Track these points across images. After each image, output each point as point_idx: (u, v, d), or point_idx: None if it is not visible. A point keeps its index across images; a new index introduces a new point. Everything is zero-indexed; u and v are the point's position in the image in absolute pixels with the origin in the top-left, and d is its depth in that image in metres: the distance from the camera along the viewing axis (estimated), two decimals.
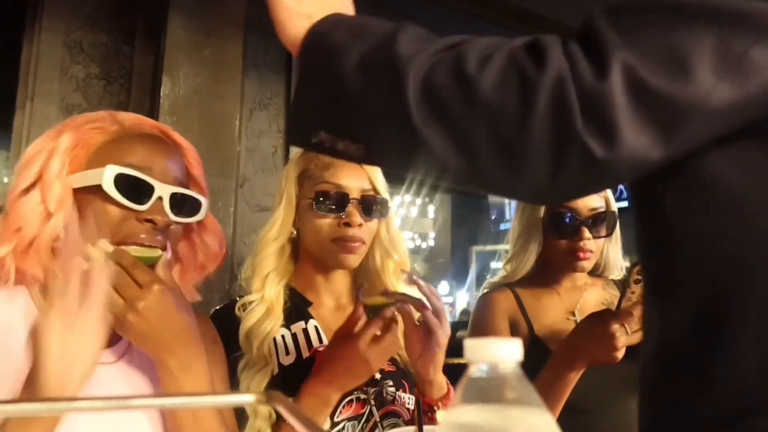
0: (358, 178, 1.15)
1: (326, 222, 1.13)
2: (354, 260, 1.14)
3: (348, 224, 1.11)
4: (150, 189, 0.80)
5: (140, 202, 0.79)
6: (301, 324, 1.12)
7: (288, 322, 1.11)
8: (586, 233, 1.29)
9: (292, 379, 1.01)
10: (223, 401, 0.41)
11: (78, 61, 1.68)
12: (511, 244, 1.43)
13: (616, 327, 1.05)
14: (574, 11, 2.56)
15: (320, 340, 1.11)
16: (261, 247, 1.15)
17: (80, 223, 0.77)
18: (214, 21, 1.74)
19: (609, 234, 1.34)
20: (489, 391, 0.36)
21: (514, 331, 1.31)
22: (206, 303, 1.56)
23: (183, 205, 0.84)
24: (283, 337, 1.08)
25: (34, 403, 0.36)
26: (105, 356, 0.79)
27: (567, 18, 2.58)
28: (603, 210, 1.32)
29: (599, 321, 1.09)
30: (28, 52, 1.66)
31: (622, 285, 1.33)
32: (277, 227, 1.16)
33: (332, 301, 1.19)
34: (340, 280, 1.20)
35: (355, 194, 1.14)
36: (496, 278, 1.46)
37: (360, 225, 1.12)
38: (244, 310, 1.10)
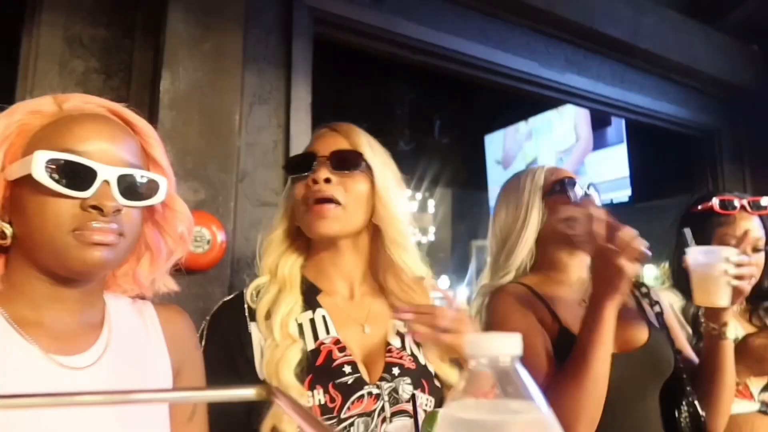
0: (332, 143, 1.08)
1: (299, 187, 1.07)
2: (326, 225, 1.03)
3: (315, 181, 1.03)
4: (92, 173, 0.72)
5: (82, 188, 0.72)
6: (309, 314, 1.05)
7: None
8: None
9: None
10: (222, 395, 0.41)
11: (78, 55, 1.67)
12: (499, 236, 1.40)
13: (618, 257, 1.09)
14: (574, 5, 2.55)
15: (327, 331, 1.03)
16: (266, 245, 1.11)
17: (22, 219, 0.72)
18: (214, 15, 1.73)
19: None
20: (489, 385, 0.36)
21: (542, 325, 1.26)
22: (207, 297, 1.57)
23: (136, 187, 0.76)
24: None
25: (36, 398, 0.36)
26: (78, 361, 0.76)
27: (566, 12, 2.56)
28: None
29: (601, 253, 1.13)
30: (27, 47, 1.66)
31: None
32: (279, 216, 1.12)
33: (346, 289, 1.11)
34: (350, 263, 1.11)
35: (324, 152, 1.06)
36: (501, 280, 1.38)
37: (327, 180, 1.03)
38: (256, 297, 1.04)
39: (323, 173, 1.04)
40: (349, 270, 1.11)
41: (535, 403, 0.36)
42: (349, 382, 0.96)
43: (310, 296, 1.07)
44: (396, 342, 1.06)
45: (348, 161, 1.06)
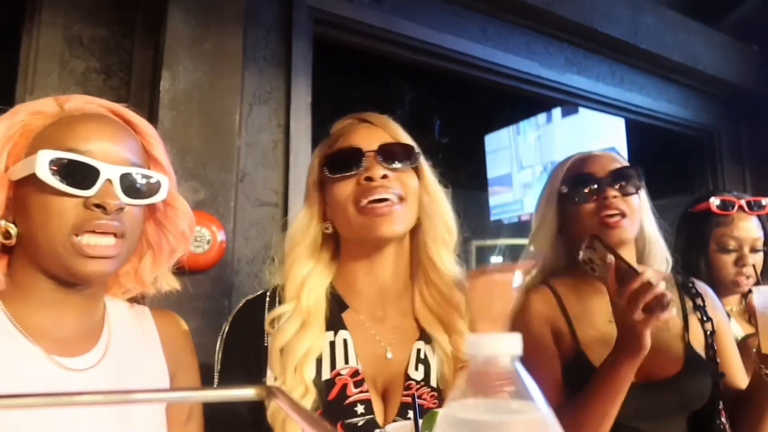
0: (373, 136, 0.98)
1: (345, 185, 0.95)
2: (390, 224, 0.93)
3: (369, 179, 0.94)
4: (95, 172, 0.73)
5: (85, 187, 0.72)
6: (330, 335, 0.95)
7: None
8: (611, 191, 1.17)
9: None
10: (223, 395, 0.41)
11: (77, 55, 1.67)
12: (534, 225, 1.33)
13: (628, 313, 0.96)
14: (574, 5, 2.55)
15: (346, 359, 0.93)
16: (290, 247, 0.99)
17: (26, 219, 0.72)
18: (214, 15, 1.73)
19: (637, 190, 1.21)
20: (489, 385, 0.36)
21: (558, 343, 1.18)
22: (207, 297, 1.57)
23: (138, 186, 0.77)
24: None
25: (36, 398, 0.36)
26: (80, 363, 0.76)
27: (566, 12, 2.56)
28: (622, 167, 1.21)
29: (614, 307, 1.01)
30: (27, 46, 1.65)
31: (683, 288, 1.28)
32: (306, 221, 1.00)
33: (378, 305, 1.00)
34: (389, 271, 0.99)
35: (369, 147, 0.96)
36: (527, 280, 1.29)
37: (385, 177, 0.94)
38: (274, 327, 0.94)
39: (378, 169, 0.94)
40: (386, 280, 1.00)
41: (535, 403, 0.35)
42: (360, 424, 0.88)
43: (335, 314, 0.98)
44: (417, 374, 0.94)
45: (401, 155, 0.98)
